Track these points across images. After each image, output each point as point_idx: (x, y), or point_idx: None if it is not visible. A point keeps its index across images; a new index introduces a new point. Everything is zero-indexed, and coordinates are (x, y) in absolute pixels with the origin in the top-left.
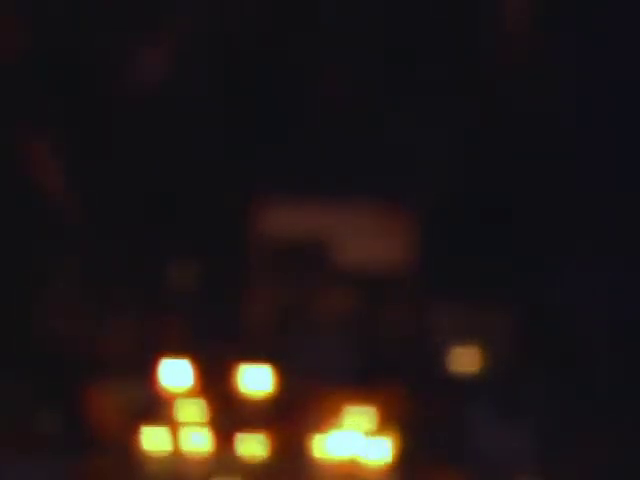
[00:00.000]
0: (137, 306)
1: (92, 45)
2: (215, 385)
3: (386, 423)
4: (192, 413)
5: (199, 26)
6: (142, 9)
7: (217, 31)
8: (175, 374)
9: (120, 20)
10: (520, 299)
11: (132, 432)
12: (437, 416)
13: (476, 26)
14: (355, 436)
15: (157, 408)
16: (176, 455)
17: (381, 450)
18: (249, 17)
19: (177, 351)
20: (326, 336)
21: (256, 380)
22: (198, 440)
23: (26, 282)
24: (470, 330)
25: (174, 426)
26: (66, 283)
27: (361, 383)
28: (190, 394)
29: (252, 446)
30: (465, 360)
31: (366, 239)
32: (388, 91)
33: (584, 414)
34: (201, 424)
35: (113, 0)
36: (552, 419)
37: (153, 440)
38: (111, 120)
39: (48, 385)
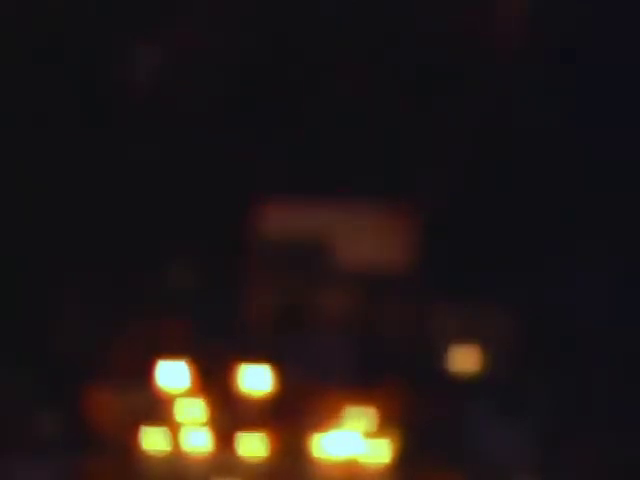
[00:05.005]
0: (137, 306)
1: (92, 45)
2: (215, 385)
3: (386, 423)
4: (192, 413)
5: (199, 26)
6: (142, 9)
7: (217, 32)
8: (175, 375)
9: (120, 20)
10: (520, 299)
11: (132, 432)
12: (437, 416)
13: (481, 26)
14: (355, 436)
15: (157, 408)
16: (176, 455)
17: (381, 450)
18: (248, 18)
19: (177, 352)
20: (326, 336)
21: (256, 380)
22: (198, 440)
23: (27, 285)
24: (470, 330)
25: (174, 426)
26: (67, 286)
27: (361, 383)
28: (190, 394)
29: (252, 446)
30: (465, 360)
31: (366, 239)
32: (387, 92)
33: (584, 414)
34: (201, 424)
35: (114, 0)
36: (552, 419)
37: (153, 440)
38: (111, 120)
39: (49, 386)
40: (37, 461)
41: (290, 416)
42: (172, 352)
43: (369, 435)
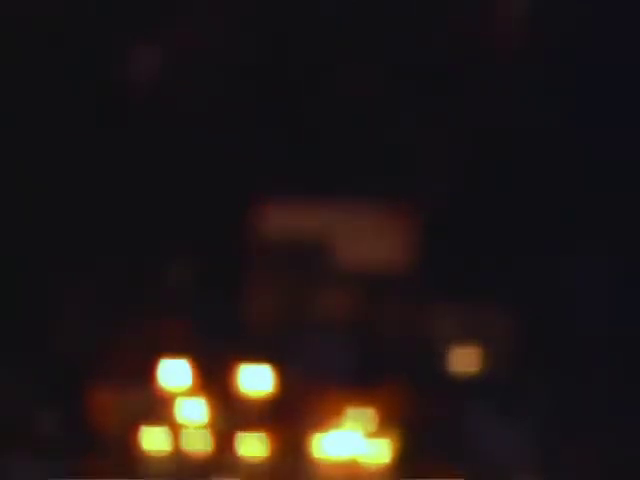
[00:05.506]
0: (137, 306)
1: (92, 45)
2: (215, 385)
3: (386, 423)
4: (192, 413)
5: (199, 26)
6: (142, 9)
7: (217, 32)
8: (175, 374)
9: (120, 20)
10: (520, 299)
11: (132, 432)
12: (437, 416)
13: (478, 27)
14: (355, 436)
15: (157, 408)
16: (176, 455)
17: (381, 450)
18: (248, 18)
19: (177, 351)
20: (326, 336)
21: (256, 380)
22: (198, 440)
23: (27, 285)
24: (470, 330)
25: (174, 426)
26: (67, 286)
27: (361, 383)
28: (190, 394)
29: (252, 446)
30: (465, 360)
31: (366, 239)
32: (388, 92)
33: (584, 414)
34: (201, 424)
35: (114, 0)
36: (552, 419)
37: (153, 440)
38: (111, 120)
39: (49, 386)
40: (37, 461)
41: (290, 416)
42: (172, 352)
43: (369, 435)
